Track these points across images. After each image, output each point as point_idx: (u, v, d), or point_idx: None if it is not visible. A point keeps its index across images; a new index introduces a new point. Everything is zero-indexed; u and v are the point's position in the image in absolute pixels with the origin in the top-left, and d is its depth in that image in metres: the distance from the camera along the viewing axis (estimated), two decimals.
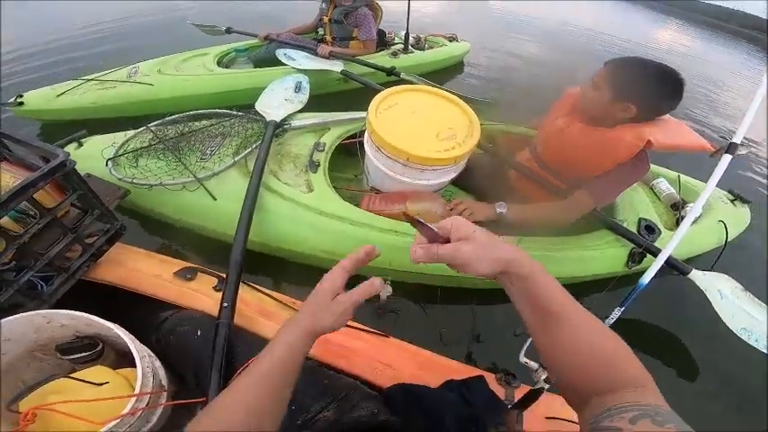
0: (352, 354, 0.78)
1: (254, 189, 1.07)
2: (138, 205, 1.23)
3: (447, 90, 1.36)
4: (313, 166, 1.24)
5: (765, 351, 1.14)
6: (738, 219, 1.54)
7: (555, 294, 0.41)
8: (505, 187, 1.28)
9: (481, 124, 1.19)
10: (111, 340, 0.72)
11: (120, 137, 1.31)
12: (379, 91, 1.78)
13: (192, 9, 4.25)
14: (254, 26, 2.55)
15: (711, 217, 1.49)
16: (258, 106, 1.45)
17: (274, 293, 0.87)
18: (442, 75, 2.98)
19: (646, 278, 0.98)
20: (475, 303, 1.27)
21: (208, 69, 2.04)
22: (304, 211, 1.12)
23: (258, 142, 1.25)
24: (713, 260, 1.38)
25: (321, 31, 2.37)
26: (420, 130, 1.13)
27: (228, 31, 2.55)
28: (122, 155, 1.21)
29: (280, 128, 1.35)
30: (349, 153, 1.44)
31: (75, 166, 0.74)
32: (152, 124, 1.34)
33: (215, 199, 1.12)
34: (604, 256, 1.23)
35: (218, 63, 2.20)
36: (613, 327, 0.87)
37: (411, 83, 2.03)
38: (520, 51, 4.52)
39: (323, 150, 1.30)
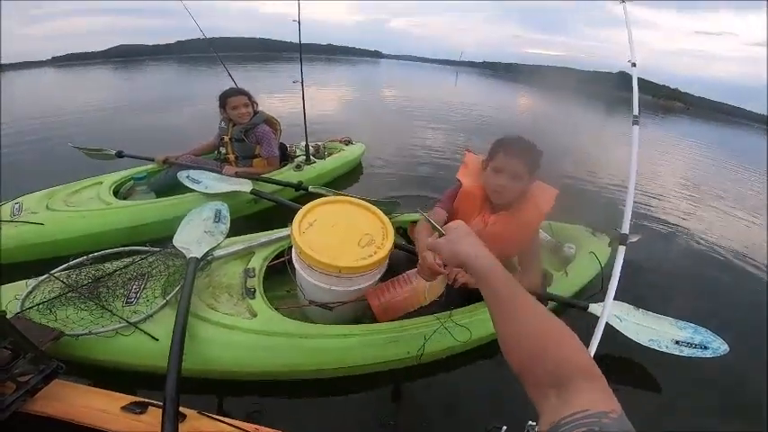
0: None
1: (180, 331, 1.11)
2: (70, 354, 1.20)
3: (356, 197, 1.64)
4: (249, 292, 1.39)
5: (679, 354, 1.53)
6: (602, 246, 2.10)
7: (509, 289, 0.51)
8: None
9: (391, 219, 1.46)
10: None
11: (20, 287, 1.30)
12: (292, 208, 2.08)
13: (76, 129, 4.14)
14: (146, 148, 2.62)
15: (583, 250, 2.02)
16: (177, 242, 1.53)
17: (234, 421, 0.93)
18: (346, 179, 3.42)
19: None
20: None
21: (104, 202, 2.03)
22: (253, 336, 1.25)
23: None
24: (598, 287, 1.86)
25: (223, 150, 2.53)
26: (342, 241, 1.35)
27: (119, 155, 2.56)
28: (31, 308, 1.21)
29: (203, 261, 1.45)
30: (276, 271, 1.60)
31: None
32: (56, 271, 1.35)
33: (157, 339, 1.18)
34: None
35: (115, 193, 2.18)
36: None
37: (320, 195, 2.30)
38: (413, 139, 5.49)
39: (254, 276, 1.45)
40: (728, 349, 1.57)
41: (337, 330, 1.33)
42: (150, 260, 1.45)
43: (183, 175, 2.23)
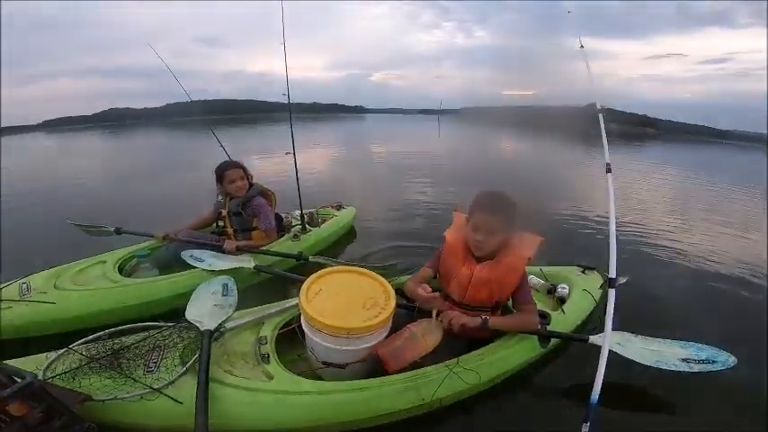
0: None
1: (203, 395, 1.25)
2: (97, 419, 1.26)
3: (356, 265, 1.82)
4: (264, 358, 1.50)
5: (689, 370, 1.62)
6: (594, 283, 2.29)
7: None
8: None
9: (390, 281, 1.62)
10: None
11: (39, 359, 1.39)
12: (293, 280, 2.21)
13: (73, 201, 4.29)
14: (143, 220, 2.77)
15: (577, 289, 2.21)
16: (189, 316, 1.65)
17: None
18: (341, 244, 3.59)
19: (594, 396, 1.37)
20: None
21: (111, 280, 2.14)
22: (273, 396, 1.36)
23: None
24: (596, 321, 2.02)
25: (221, 224, 2.65)
26: (348, 306, 1.49)
27: (118, 231, 2.68)
28: (54, 377, 1.30)
29: (216, 332, 1.57)
30: (285, 338, 1.72)
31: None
32: (75, 344, 1.46)
33: (181, 403, 1.27)
34: (519, 348, 1.74)
35: (120, 270, 2.30)
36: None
37: (320, 264, 2.48)
38: (402, 194, 5.79)
39: (266, 343, 1.58)
40: (736, 361, 1.66)
41: (352, 385, 1.43)
42: (165, 333, 1.55)
43: (186, 255, 2.36)
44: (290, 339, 1.70)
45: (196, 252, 2.41)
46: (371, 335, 1.46)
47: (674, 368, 1.65)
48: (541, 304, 2.05)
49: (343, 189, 5.82)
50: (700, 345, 1.78)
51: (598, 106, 1.91)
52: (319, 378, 1.54)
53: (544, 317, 1.88)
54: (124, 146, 12.83)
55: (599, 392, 1.35)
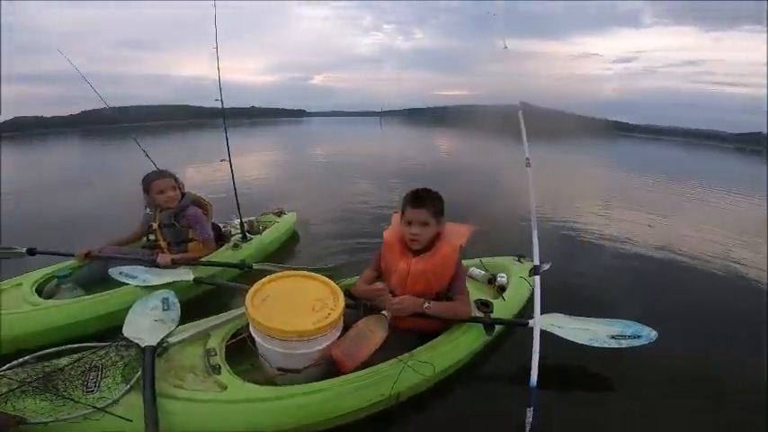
0: None
1: (152, 413, 1.22)
2: None
3: (301, 269, 1.84)
4: (215, 369, 1.49)
5: (618, 346, 1.77)
6: (529, 270, 2.45)
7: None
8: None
9: (337, 283, 1.67)
10: None
11: None
12: (235, 289, 2.20)
13: None
14: (59, 240, 2.58)
15: (514, 277, 2.39)
16: (127, 333, 1.59)
17: None
18: (284, 250, 3.57)
19: (533, 379, 1.48)
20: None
21: (31, 304, 1.99)
22: (228, 406, 1.35)
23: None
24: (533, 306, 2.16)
25: (152, 238, 2.50)
26: (297, 309, 1.52)
27: (31, 252, 2.45)
28: None
29: (159, 348, 1.53)
30: (235, 348, 1.69)
31: None
32: (1, 369, 1.35)
33: (131, 420, 1.23)
34: (469, 337, 1.86)
35: (39, 293, 2.13)
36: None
37: (265, 271, 2.47)
38: (345, 196, 5.84)
39: (216, 355, 1.56)
40: (657, 335, 1.87)
41: (310, 388, 1.45)
42: (101, 353, 1.48)
43: (115, 272, 2.24)
44: (241, 349, 1.69)
45: (126, 268, 2.29)
46: (324, 336, 1.50)
47: (605, 345, 1.82)
48: (483, 293, 2.21)
49: (284, 195, 5.75)
50: (626, 321, 1.97)
51: (518, 104, 2.05)
52: (275, 385, 1.53)
53: (487, 305, 2.01)
54: (33, 159, 11.45)
55: (537, 375, 1.44)
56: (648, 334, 1.88)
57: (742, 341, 2.33)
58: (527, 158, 1.88)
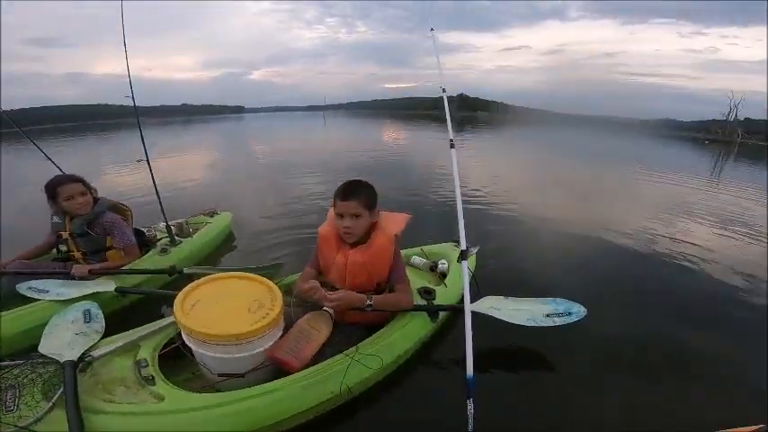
0: None
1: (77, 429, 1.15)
2: None
3: (235, 269, 1.78)
4: (148, 380, 1.41)
5: (553, 324, 1.82)
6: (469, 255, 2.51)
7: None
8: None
9: (277, 283, 1.64)
10: None
11: None
12: (166, 296, 2.11)
13: None
14: None
15: (454, 263, 2.43)
16: (44, 350, 1.48)
17: None
18: (220, 252, 3.43)
19: (469, 371, 1.45)
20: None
21: None
22: (168, 417, 1.28)
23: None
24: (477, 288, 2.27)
25: (63, 248, 2.30)
26: (231, 312, 1.47)
27: None
28: None
29: (81, 363, 1.43)
30: (169, 358, 1.63)
31: None
32: None
33: None
34: (414, 326, 1.89)
35: None
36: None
37: (197, 275, 2.35)
38: (285, 193, 5.70)
39: (147, 366, 1.48)
40: (586, 311, 1.94)
41: (256, 390, 1.40)
42: (15, 372, 1.37)
43: (23, 288, 2.05)
44: (179, 359, 1.62)
45: (35, 283, 2.10)
46: (263, 337, 1.47)
47: (542, 324, 1.88)
48: (426, 281, 2.25)
49: (219, 195, 5.48)
50: (557, 299, 2.05)
51: (442, 88, 2.05)
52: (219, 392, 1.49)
53: (429, 293, 2.05)
54: None
55: (473, 365, 1.42)
56: (578, 311, 1.95)
57: (668, 312, 2.53)
58: (451, 140, 1.87)
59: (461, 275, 2.33)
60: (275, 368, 1.54)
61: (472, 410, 1.33)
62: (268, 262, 2.90)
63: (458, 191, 1.77)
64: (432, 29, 2.19)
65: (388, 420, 1.65)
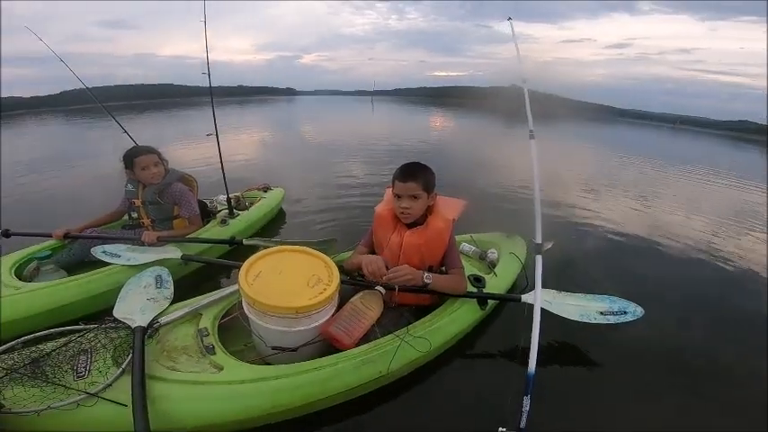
0: None
1: (140, 397, 1.17)
2: None
3: (294, 243, 1.80)
4: (208, 350, 1.45)
5: (607, 322, 1.78)
6: (518, 246, 2.51)
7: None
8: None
9: (333, 258, 1.62)
10: None
11: None
12: (227, 266, 2.13)
13: None
14: (36, 221, 2.49)
15: (504, 253, 2.39)
16: (118, 313, 1.55)
17: None
18: (273, 226, 3.52)
19: (531, 368, 1.37)
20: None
21: (11, 287, 1.88)
22: (225, 388, 1.31)
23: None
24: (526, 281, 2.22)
25: (135, 215, 2.43)
26: (292, 285, 1.48)
27: (6, 234, 2.36)
28: None
29: (150, 329, 1.48)
30: (226, 328, 1.67)
31: None
32: None
33: (126, 405, 1.17)
34: (464, 312, 1.86)
35: (18, 276, 2.03)
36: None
37: (255, 246, 2.41)
38: (335, 173, 5.74)
39: (208, 335, 1.52)
40: (643, 311, 1.89)
41: (309, 365, 1.42)
42: (89, 336, 1.43)
43: (98, 251, 2.15)
44: (232, 329, 1.65)
45: (109, 247, 2.22)
46: (319, 312, 1.47)
47: (594, 321, 1.84)
48: (475, 269, 2.20)
49: (271, 172, 5.64)
50: (612, 297, 1.98)
51: (522, 78, 1.96)
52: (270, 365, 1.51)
53: (479, 280, 2.02)
54: (8, 139, 11.03)
55: (535, 363, 1.37)
56: (634, 310, 1.90)
57: (734, 325, 2.36)
58: (530, 130, 1.80)
59: (522, 266, 2.30)
60: (324, 344, 1.55)
61: (527, 408, 1.30)
62: (318, 238, 2.89)
63: (536, 184, 1.69)
64: (509, 18, 2.14)
65: (431, 405, 1.65)
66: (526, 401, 1.30)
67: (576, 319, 1.84)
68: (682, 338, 2.15)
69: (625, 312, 1.89)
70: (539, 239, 1.61)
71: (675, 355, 2.00)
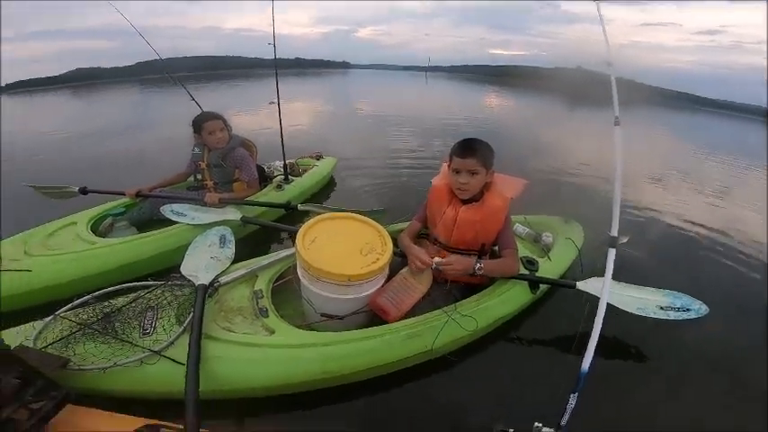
0: None
1: (195, 355, 1.19)
2: (98, 388, 1.22)
3: (347, 210, 1.77)
4: (262, 312, 1.47)
5: (666, 318, 1.67)
6: (575, 232, 2.32)
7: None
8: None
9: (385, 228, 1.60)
10: None
11: (26, 330, 1.30)
12: (282, 230, 2.10)
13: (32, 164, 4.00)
14: (111, 179, 2.62)
15: (560, 238, 2.23)
16: (185, 270, 1.60)
17: None
18: (324, 194, 3.54)
19: (586, 365, 1.28)
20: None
21: (88, 242, 1.99)
22: (277, 351, 1.33)
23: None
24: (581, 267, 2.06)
25: (200, 177, 2.53)
26: (345, 252, 1.46)
27: (83, 191, 2.52)
28: (45, 347, 1.23)
29: (210, 288, 1.51)
30: (277, 291, 1.68)
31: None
32: (61, 311, 1.38)
33: (183, 364, 1.19)
34: (514, 294, 1.78)
35: (93, 231, 2.14)
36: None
37: (309, 212, 2.42)
38: (387, 146, 5.65)
39: (263, 297, 1.54)
40: (708, 310, 1.74)
41: (357, 335, 1.42)
42: (157, 293, 1.49)
43: (166, 210, 2.25)
44: (282, 294, 1.65)
45: (176, 206, 2.31)
46: (371, 281, 1.45)
47: (653, 315, 1.69)
48: (528, 252, 2.09)
49: (324, 141, 5.63)
50: (675, 293, 1.82)
51: (609, 63, 1.78)
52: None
53: (532, 263, 1.92)
54: (91, 105, 12.07)
55: (590, 362, 1.27)
56: (698, 308, 1.74)
57: None
58: (616, 117, 1.66)
59: (579, 252, 2.14)
60: (370, 314, 1.54)
61: (572, 405, 1.21)
62: (370, 207, 2.86)
63: (618, 172, 1.55)
64: None
65: (470, 386, 1.60)
66: (573, 399, 1.21)
67: (632, 312, 1.71)
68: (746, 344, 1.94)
69: (688, 309, 1.73)
70: (614, 232, 1.49)
71: (739, 363, 1.81)
